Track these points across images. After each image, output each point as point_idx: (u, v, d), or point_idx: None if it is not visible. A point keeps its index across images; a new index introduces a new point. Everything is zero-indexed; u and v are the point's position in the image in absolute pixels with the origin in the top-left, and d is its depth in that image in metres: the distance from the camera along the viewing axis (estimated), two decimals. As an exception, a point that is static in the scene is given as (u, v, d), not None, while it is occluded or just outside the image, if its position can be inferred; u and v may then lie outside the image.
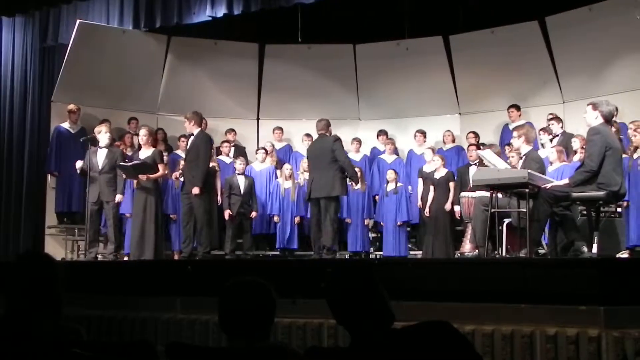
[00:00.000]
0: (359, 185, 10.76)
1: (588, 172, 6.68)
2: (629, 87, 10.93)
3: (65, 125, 11.43)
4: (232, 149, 12.13)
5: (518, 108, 11.62)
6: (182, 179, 9.75)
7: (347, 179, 9.22)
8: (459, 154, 11.81)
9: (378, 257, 11.32)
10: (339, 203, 9.31)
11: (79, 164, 9.58)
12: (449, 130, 12.22)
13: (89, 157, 9.51)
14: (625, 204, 8.59)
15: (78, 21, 11.45)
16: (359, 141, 12.26)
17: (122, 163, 9.47)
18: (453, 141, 12.09)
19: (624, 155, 7.51)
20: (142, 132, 9.84)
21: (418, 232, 11.49)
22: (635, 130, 8.70)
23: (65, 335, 2.95)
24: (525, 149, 7.67)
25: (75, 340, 2.94)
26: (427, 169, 10.96)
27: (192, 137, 9.31)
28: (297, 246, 11.21)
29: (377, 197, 11.50)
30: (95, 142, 9.66)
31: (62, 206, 11.31)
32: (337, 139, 9.14)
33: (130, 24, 11.53)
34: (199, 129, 9.37)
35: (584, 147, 7.89)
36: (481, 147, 10.49)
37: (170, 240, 10.79)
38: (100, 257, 9.69)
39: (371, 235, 11.60)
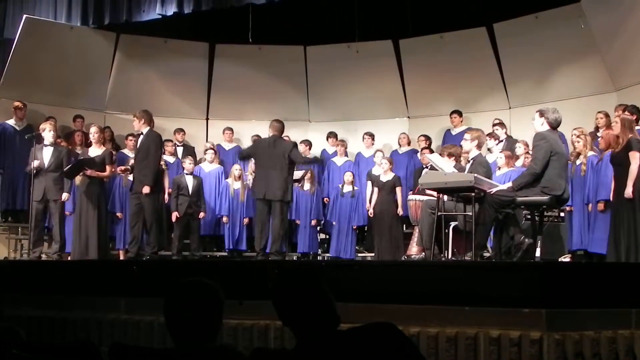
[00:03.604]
0: (308, 187, 10.78)
1: (531, 175, 6.79)
2: (573, 94, 11.16)
3: (11, 122, 11.17)
4: (182, 148, 12.00)
5: (460, 114, 11.77)
6: (130, 178, 9.61)
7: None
8: (412, 157, 11.87)
9: (326, 258, 11.35)
10: (289, 207, 9.45)
11: (35, 163, 9.32)
12: (404, 133, 12.28)
13: (33, 154, 9.36)
14: (568, 208, 8.77)
15: (24, 16, 11.25)
16: (309, 143, 12.25)
17: (64, 169, 9.32)
18: (408, 144, 12.11)
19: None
20: (93, 129, 9.77)
21: (367, 235, 11.55)
22: (578, 136, 8.87)
23: (3, 336, 2.88)
24: (474, 153, 7.76)
25: (13, 341, 2.87)
26: (375, 171, 11.02)
27: (141, 136, 9.22)
28: (245, 247, 11.17)
29: (326, 199, 11.53)
30: (40, 140, 9.50)
31: (6, 204, 11.07)
32: (295, 145, 9.32)
33: (79, 20, 11.39)
34: (149, 127, 9.29)
35: (529, 152, 8.02)
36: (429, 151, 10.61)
37: (115, 239, 10.65)
38: (44, 257, 9.53)
39: (319, 236, 11.63)
